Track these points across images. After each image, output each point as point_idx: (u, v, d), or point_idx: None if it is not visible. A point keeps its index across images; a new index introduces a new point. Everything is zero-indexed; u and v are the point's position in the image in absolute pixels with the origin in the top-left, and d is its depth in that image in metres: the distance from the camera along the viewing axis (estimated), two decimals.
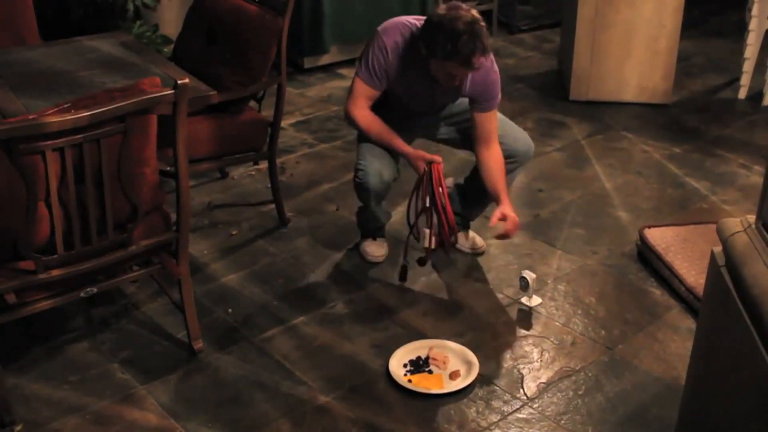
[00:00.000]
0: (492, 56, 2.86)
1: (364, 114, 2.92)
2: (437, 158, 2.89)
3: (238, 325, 2.88)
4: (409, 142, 3.05)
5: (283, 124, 4.21)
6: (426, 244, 2.98)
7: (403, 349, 2.72)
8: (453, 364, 2.67)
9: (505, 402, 2.53)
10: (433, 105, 3.03)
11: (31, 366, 2.66)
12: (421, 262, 3.05)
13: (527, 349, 2.77)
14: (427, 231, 2.95)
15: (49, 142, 2.10)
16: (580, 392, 2.57)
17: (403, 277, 3.10)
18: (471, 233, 3.34)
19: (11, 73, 2.91)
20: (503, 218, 2.90)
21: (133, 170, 2.32)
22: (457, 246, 3.31)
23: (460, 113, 3.06)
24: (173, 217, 2.57)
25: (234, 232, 3.46)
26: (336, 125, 4.52)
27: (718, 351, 1.85)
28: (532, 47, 5.91)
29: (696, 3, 5.88)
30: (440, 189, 2.86)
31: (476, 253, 3.30)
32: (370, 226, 3.25)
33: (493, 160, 2.95)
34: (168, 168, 2.67)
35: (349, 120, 2.96)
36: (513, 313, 2.95)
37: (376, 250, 3.24)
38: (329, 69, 5.36)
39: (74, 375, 2.63)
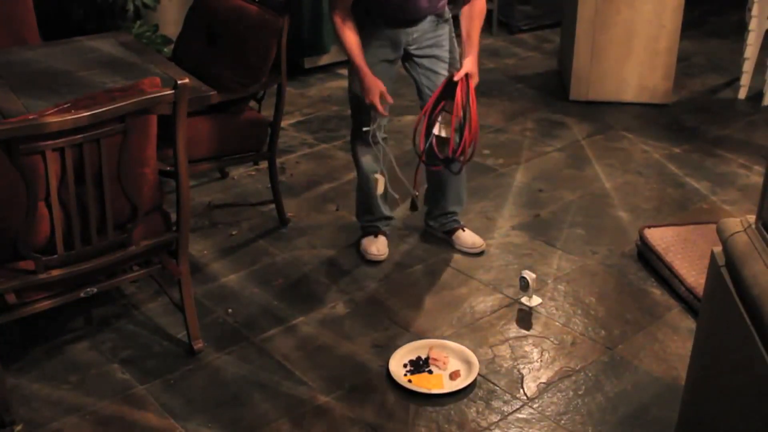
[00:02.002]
0: None
1: (343, 19, 2.88)
2: (386, 100, 2.89)
3: (238, 325, 2.88)
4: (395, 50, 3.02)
5: (283, 124, 4.21)
6: (445, 134, 2.89)
7: (403, 349, 2.72)
8: (453, 364, 2.67)
9: (505, 402, 2.53)
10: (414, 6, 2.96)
11: (31, 366, 2.66)
12: (450, 163, 2.96)
13: (527, 349, 2.77)
14: (441, 127, 2.88)
15: (49, 142, 2.10)
16: (580, 392, 2.57)
17: (414, 207, 3.07)
18: (469, 232, 3.34)
19: (11, 73, 2.91)
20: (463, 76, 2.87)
21: (133, 170, 2.32)
22: (457, 246, 3.31)
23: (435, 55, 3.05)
24: (173, 217, 2.57)
25: (234, 232, 3.46)
26: (336, 125, 4.52)
27: (718, 351, 1.85)
28: (532, 47, 5.91)
29: (696, 3, 5.89)
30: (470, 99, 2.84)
31: (476, 252, 3.30)
32: (374, 208, 3.24)
33: (475, 8, 2.95)
34: (168, 168, 2.67)
35: (332, 23, 2.93)
36: (513, 313, 2.95)
37: (377, 248, 3.24)
38: (329, 69, 5.36)
39: (74, 375, 2.63)
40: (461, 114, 2.81)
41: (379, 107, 2.90)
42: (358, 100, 3.02)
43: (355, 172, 3.28)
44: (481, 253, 3.30)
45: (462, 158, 2.88)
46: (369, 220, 3.29)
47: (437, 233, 3.39)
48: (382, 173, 3.06)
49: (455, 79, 2.83)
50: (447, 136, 2.88)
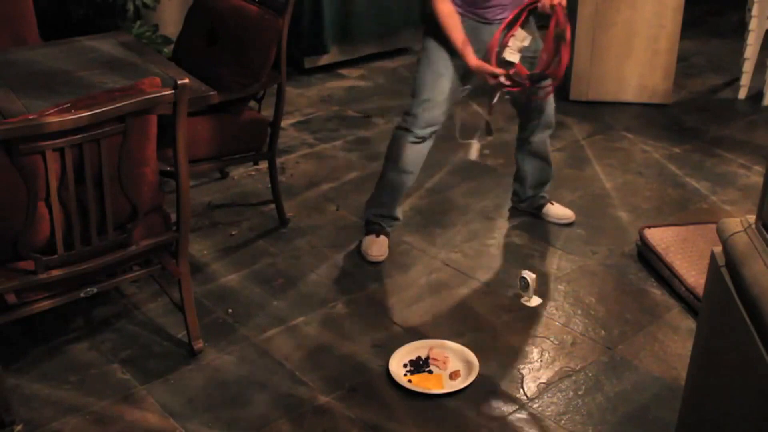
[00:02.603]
0: None
1: (446, 7, 2.92)
2: (498, 71, 2.92)
3: (238, 325, 2.88)
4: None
5: (283, 124, 4.21)
6: (515, 59, 2.93)
7: (403, 349, 2.72)
8: (453, 364, 2.67)
9: (505, 402, 2.53)
10: None
11: (31, 366, 2.66)
12: (536, 79, 3.00)
13: (527, 349, 2.77)
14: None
15: (49, 142, 2.10)
16: (580, 392, 2.57)
17: (489, 131, 3.13)
18: (558, 205, 3.53)
19: (11, 73, 2.91)
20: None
21: (133, 170, 2.32)
22: (548, 219, 3.51)
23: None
24: (173, 217, 2.57)
25: (234, 232, 3.46)
26: (336, 125, 4.53)
27: (718, 351, 1.85)
28: None
29: (696, 3, 5.89)
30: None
31: (567, 223, 3.49)
32: (389, 204, 3.25)
33: None
34: (168, 168, 2.67)
35: (432, 12, 2.94)
36: (513, 313, 2.95)
37: (377, 249, 3.23)
38: (329, 69, 5.37)
39: (74, 375, 2.63)
40: (562, 35, 2.88)
41: (504, 82, 2.92)
42: (425, 91, 3.04)
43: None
44: (571, 224, 3.49)
45: (554, 77, 2.97)
46: (377, 215, 3.26)
47: (528, 210, 3.55)
48: (479, 139, 3.13)
49: (554, 2, 2.86)
50: (515, 61, 2.93)
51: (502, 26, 2.92)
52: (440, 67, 3.03)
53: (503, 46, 2.91)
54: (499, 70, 2.90)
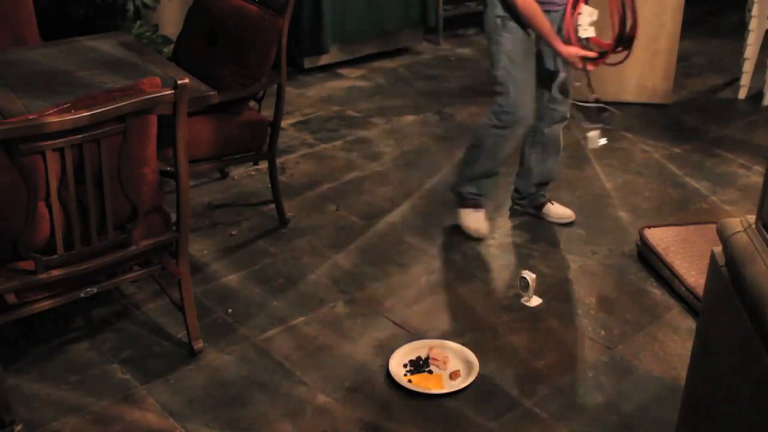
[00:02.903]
0: None
1: None
2: (590, 53, 2.98)
3: (238, 325, 2.88)
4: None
5: (283, 124, 4.21)
6: (590, 34, 3.00)
7: (403, 349, 2.72)
8: (453, 364, 2.67)
9: (505, 402, 2.53)
10: None
11: (31, 366, 2.66)
12: (623, 42, 3.05)
13: (527, 348, 2.77)
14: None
15: (49, 142, 2.10)
16: (580, 392, 2.57)
17: (602, 110, 3.23)
18: (558, 204, 3.52)
19: (11, 73, 2.91)
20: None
21: (133, 170, 2.32)
22: (548, 219, 3.50)
23: None
24: (173, 217, 2.57)
25: (234, 232, 3.46)
26: (336, 125, 4.53)
27: (718, 351, 1.85)
28: None
29: (696, 3, 5.89)
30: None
31: (567, 222, 3.48)
32: (488, 188, 3.32)
33: None
34: (168, 168, 2.67)
35: (513, 4, 2.96)
36: (513, 313, 2.95)
37: (484, 226, 3.33)
38: (329, 69, 5.37)
39: (74, 375, 2.63)
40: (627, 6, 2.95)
41: (586, 66, 3.00)
42: (518, 87, 3.06)
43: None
44: (571, 224, 3.48)
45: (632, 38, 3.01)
46: (472, 194, 3.34)
47: (528, 209, 3.55)
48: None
49: None
50: (592, 35, 3.00)
51: (569, 8, 2.96)
52: (523, 59, 3.05)
53: (576, 26, 2.98)
54: (590, 53, 2.97)
